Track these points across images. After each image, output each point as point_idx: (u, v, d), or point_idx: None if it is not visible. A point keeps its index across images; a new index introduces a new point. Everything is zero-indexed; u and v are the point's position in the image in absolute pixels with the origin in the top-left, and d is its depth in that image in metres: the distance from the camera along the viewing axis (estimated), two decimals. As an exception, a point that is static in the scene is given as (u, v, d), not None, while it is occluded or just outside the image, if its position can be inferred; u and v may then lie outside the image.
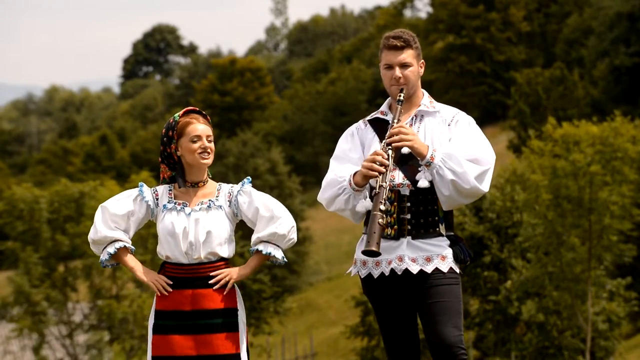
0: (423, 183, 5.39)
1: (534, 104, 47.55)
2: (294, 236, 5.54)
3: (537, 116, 45.82)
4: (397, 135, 5.38)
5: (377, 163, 5.35)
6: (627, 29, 49.67)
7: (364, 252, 5.30)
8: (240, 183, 5.58)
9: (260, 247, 5.49)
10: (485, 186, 5.44)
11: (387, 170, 5.35)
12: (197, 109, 5.57)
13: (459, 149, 5.42)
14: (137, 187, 5.60)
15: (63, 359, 29.95)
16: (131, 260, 5.50)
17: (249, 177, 5.64)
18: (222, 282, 5.43)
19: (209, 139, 5.48)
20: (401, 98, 5.52)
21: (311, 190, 61.14)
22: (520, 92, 48.63)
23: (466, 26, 60.88)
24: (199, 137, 5.44)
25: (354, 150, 5.63)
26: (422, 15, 75.15)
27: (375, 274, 5.46)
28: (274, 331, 29.83)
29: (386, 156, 5.37)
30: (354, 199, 5.51)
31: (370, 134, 5.62)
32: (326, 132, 66.43)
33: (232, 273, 5.45)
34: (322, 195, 5.60)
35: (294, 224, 5.55)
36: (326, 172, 5.68)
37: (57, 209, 29.19)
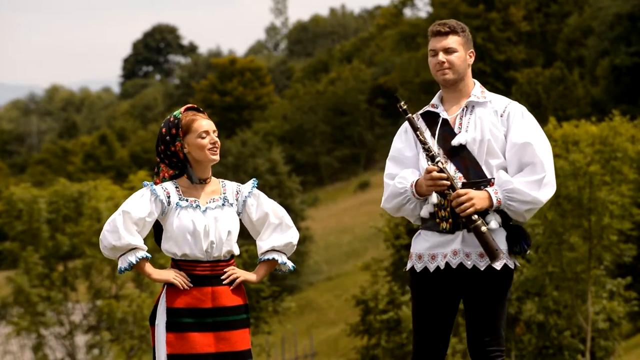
0: (494, 225, 5.39)
1: (535, 104, 47.53)
2: (296, 245, 5.63)
3: (537, 116, 45.66)
4: (457, 206, 5.35)
5: (436, 179, 5.37)
6: (628, 29, 49.65)
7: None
8: (250, 184, 5.57)
9: (276, 256, 5.55)
10: (550, 190, 5.42)
11: (450, 180, 5.37)
12: (196, 105, 5.54)
13: (514, 155, 5.41)
14: (143, 187, 5.53)
15: (63, 358, 29.92)
16: (148, 267, 5.47)
17: (255, 179, 5.63)
18: (231, 278, 5.46)
19: (216, 133, 5.48)
20: (403, 107, 5.51)
21: (311, 190, 61.12)
22: (520, 91, 48.63)
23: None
24: (207, 132, 5.43)
25: (407, 148, 5.59)
26: (422, 14, 75.07)
27: (431, 267, 5.46)
28: (273, 331, 29.81)
29: (439, 169, 5.38)
30: (419, 206, 5.51)
31: (423, 128, 5.56)
32: (326, 132, 66.39)
33: (241, 273, 5.50)
34: (387, 205, 5.60)
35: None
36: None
37: (57, 208, 29.15)
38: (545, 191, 5.37)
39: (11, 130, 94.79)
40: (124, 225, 5.39)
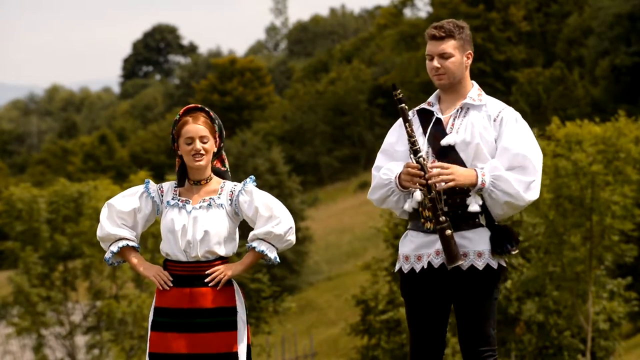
0: (474, 208, 5.36)
1: (535, 104, 47.54)
2: (291, 238, 5.50)
3: (537, 116, 45.80)
4: (437, 176, 5.30)
5: (413, 175, 5.34)
6: (628, 29, 49.62)
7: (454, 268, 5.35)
8: (243, 182, 5.55)
9: (254, 244, 5.47)
10: (535, 194, 5.38)
11: (426, 181, 5.32)
12: (200, 105, 5.54)
13: (505, 158, 5.37)
14: (144, 183, 5.63)
15: (63, 359, 29.91)
16: (134, 258, 5.51)
17: (252, 177, 5.60)
18: (216, 280, 5.42)
19: (203, 140, 5.44)
20: (398, 96, 5.49)
21: (311, 190, 61.06)
22: (520, 91, 48.61)
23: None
24: (192, 139, 5.43)
25: (400, 142, 5.55)
26: (422, 14, 75.04)
27: (417, 268, 5.45)
28: (273, 331, 29.81)
29: (419, 166, 5.34)
30: (404, 199, 5.49)
31: (416, 125, 5.54)
32: (326, 132, 66.33)
33: (226, 270, 5.44)
34: (372, 196, 5.57)
35: (293, 225, 5.50)
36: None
37: (56, 208, 29.13)
38: (530, 193, 5.34)
39: (11, 130, 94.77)
40: (107, 217, 5.49)
